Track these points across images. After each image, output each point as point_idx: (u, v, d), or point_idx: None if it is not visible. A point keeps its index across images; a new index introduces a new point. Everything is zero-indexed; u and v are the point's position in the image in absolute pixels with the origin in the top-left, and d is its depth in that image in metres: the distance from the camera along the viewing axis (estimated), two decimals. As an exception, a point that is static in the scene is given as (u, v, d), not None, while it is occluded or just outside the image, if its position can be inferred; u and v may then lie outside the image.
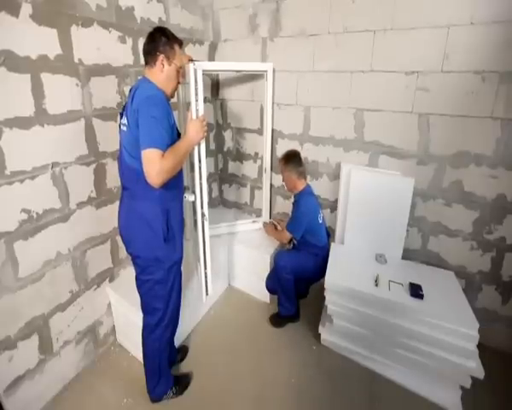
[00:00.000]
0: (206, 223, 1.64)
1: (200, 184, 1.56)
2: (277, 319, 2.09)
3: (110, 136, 1.69)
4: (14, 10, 1.21)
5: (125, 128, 1.21)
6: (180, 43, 1.29)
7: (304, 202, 1.95)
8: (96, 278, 1.75)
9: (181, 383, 1.64)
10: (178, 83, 1.33)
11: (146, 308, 1.43)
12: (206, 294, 1.83)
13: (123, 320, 1.84)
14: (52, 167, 1.43)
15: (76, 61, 1.46)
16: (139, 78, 1.34)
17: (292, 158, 1.98)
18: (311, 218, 1.95)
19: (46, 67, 1.34)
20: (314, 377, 1.73)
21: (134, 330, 1.76)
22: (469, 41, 1.60)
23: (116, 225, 1.78)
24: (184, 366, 1.77)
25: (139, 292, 1.42)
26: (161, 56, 1.22)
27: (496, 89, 1.59)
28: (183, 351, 1.83)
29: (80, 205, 1.59)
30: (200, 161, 1.51)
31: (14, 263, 1.34)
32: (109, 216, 1.76)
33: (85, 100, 1.53)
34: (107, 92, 1.65)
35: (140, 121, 1.13)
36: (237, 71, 2.28)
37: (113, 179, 1.75)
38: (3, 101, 1.22)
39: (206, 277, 1.79)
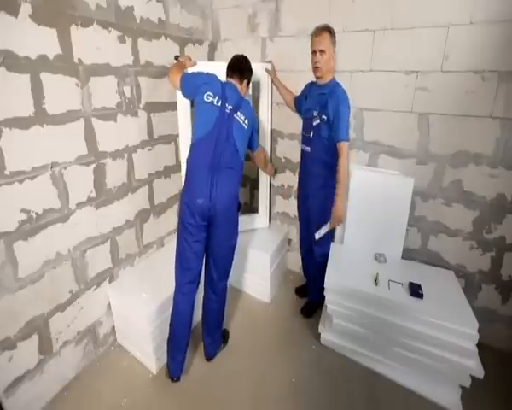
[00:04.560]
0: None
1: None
2: (311, 308, 2.14)
3: (110, 136, 1.69)
4: (14, 10, 1.20)
5: (245, 126, 1.57)
6: None
7: (342, 91, 1.72)
8: (96, 278, 1.75)
9: (224, 336, 1.90)
10: None
11: (226, 273, 1.72)
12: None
13: (123, 320, 1.84)
14: (52, 167, 1.43)
15: (75, 60, 1.46)
16: (221, 79, 1.62)
17: (334, 32, 1.70)
18: None
19: (46, 66, 1.34)
20: (314, 376, 1.73)
21: (134, 331, 1.77)
22: (469, 41, 1.60)
23: (116, 225, 1.81)
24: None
25: (224, 260, 1.66)
26: (245, 81, 1.66)
27: (495, 88, 1.59)
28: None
29: (80, 205, 1.59)
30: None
31: (13, 263, 1.34)
32: (109, 216, 1.76)
33: (85, 100, 1.53)
34: (107, 92, 1.65)
35: (254, 130, 1.71)
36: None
37: (113, 179, 1.76)
38: (3, 101, 1.22)
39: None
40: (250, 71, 1.68)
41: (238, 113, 1.55)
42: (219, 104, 1.51)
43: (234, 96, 1.57)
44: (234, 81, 1.62)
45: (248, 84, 1.69)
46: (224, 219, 1.53)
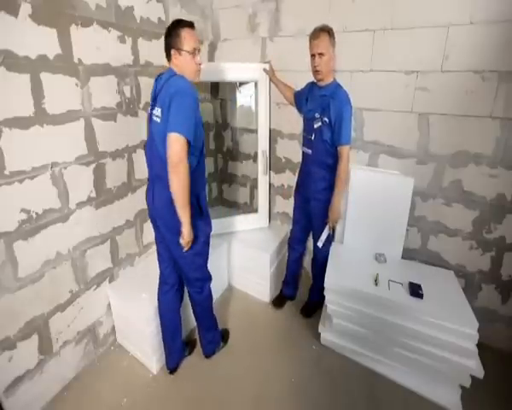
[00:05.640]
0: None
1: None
2: (310, 308, 2.14)
3: (110, 136, 1.69)
4: (14, 10, 1.20)
5: (158, 120, 1.28)
6: (185, 25, 1.31)
7: (344, 93, 1.70)
8: (96, 278, 1.75)
9: (223, 336, 1.90)
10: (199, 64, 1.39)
11: (191, 282, 1.60)
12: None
13: (123, 320, 1.84)
14: (52, 167, 1.43)
15: (75, 60, 1.46)
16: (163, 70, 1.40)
17: (333, 32, 1.65)
18: None
19: (45, 66, 1.34)
20: (314, 376, 1.73)
21: (134, 331, 1.77)
22: (469, 41, 1.60)
23: (116, 225, 1.81)
24: (183, 366, 1.78)
25: (182, 266, 1.54)
26: (172, 51, 1.33)
27: (495, 88, 1.59)
28: (191, 345, 1.89)
29: (80, 205, 1.59)
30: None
31: (13, 263, 1.34)
32: (109, 216, 1.76)
33: (85, 100, 1.53)
34: (107, 92, 1.64)
35: (171, 110, 1.21)
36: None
37: (113, 179, 1.76)
38: (3, 101, 1.22)
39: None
40: (168, 36, 1.32)
41: (155, 108, 1.31)
42: (150, 110, 1.39)
43: (158, 85, 1.34)
44: (170, 64, 1.37)
45: (178, 50, 1.31)
46: (163, 227, 1.44)
